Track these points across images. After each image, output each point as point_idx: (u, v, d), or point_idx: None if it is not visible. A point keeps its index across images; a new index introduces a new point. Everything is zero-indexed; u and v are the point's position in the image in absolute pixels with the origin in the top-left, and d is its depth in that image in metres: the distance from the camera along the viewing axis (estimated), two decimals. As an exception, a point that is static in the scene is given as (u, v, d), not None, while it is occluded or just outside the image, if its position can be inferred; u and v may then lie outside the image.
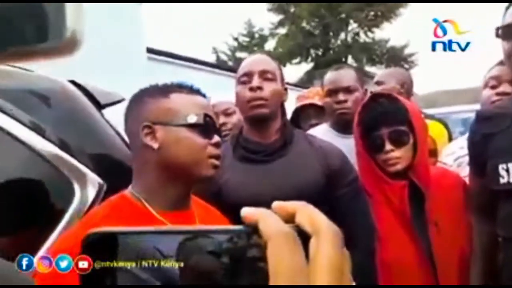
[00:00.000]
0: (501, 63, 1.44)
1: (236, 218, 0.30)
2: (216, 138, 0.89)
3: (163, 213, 0.84)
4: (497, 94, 1.51)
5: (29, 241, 1.00)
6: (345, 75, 1.61)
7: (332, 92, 1.61)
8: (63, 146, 1.06)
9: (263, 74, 1.24)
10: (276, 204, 0.31)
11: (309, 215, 0.29)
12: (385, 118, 1.27)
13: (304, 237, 0.28)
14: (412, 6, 17.55)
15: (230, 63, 18.48)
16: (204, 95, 0.95)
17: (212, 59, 18.07)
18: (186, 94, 0.90)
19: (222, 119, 1.74)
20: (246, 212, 0.29)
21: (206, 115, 0.89)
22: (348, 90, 1.58)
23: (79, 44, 0.27)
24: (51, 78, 1.21)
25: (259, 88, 1.22)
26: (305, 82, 16.41)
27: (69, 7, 0.25)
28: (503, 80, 1.50)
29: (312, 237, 0.28)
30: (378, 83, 2.06)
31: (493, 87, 1.55)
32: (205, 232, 0.30)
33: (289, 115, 2.01)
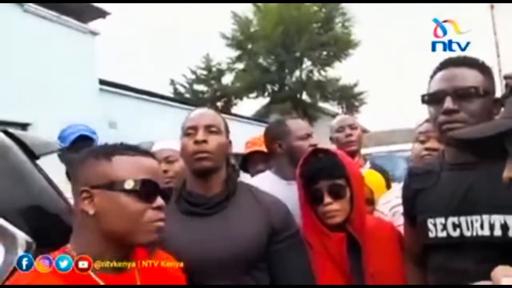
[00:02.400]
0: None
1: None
2: (158, 202, 0.89)
3: (102, 275, 0.85)
4: (426, 149, 1.62)
5: None
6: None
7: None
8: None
9: (208, 128, 1.26)
10: None
11: None
12: (323, 172, 1.33)
13: None
14: (361, 47, 18.77)
15: (187, 95, 18.47)
16: (153, 156, 0.94)
17: (169, 91, 17.96)
18: (129, 156, 0.89)
19: (164, 167, 1.71)
20: None
21: (145, 180, 0.87)
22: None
23: None
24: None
25: (204, 141, 1.23)
26: (261, 116, 16.71)
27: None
28: (431, 136, 1.60)
29: None
30: (351, 126, 2.17)
31: (422, 142, 1.66)
32: None
33: (243, 140, 2.10)
